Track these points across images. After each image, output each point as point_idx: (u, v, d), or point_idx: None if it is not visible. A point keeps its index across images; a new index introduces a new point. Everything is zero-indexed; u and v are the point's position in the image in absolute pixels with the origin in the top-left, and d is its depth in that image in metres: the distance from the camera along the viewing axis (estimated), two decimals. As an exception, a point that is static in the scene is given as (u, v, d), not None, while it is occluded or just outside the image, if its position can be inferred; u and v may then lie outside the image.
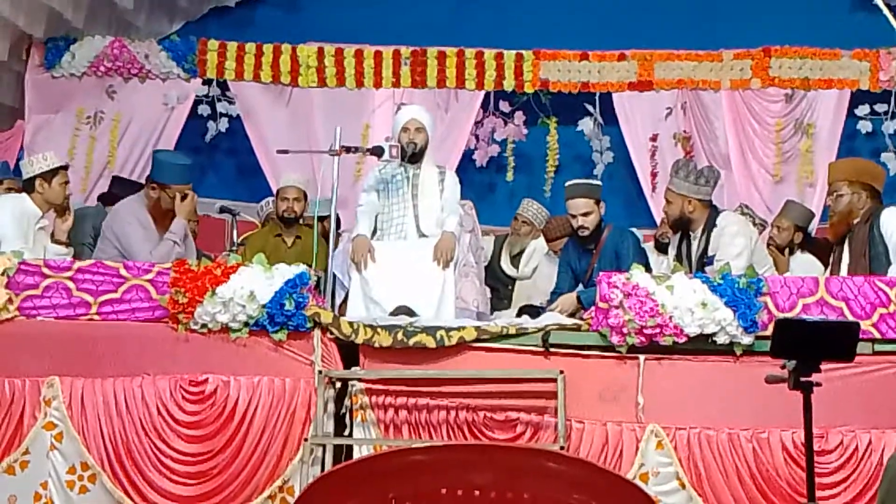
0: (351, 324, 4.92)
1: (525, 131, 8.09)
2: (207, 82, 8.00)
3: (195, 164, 7.79)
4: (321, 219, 5.76)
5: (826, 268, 5.82)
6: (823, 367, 3.33)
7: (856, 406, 4.55)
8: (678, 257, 5.62)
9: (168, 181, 5.51)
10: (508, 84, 7.92)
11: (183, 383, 4.88)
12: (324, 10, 8.23)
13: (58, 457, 4.83)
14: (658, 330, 4.68)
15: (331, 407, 4.86)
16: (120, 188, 6.80)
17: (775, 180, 7.68)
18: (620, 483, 3.03)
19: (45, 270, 5.01)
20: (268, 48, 7.95)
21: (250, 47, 7.95)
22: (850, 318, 4.60)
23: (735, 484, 4.58)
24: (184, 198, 5.52)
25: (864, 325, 4.60)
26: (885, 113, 7.64)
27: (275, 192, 7.28)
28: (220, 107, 8.03)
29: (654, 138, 7.87)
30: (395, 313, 5.23)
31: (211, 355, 4.93)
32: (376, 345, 4.86)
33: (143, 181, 6.40)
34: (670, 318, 4.67)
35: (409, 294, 5.37)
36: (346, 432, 4.85)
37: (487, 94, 7.99)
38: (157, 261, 5.19)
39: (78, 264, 5.06)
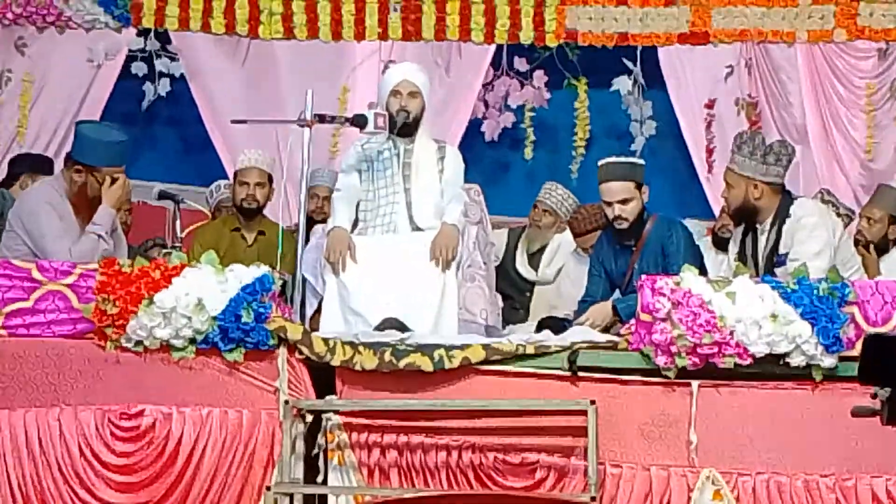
0: (326, 341, 4.92)
1: (547, 96, 8.09)
2: (143, 33, 8.00)
3: (128, 135, 7.80)
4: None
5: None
6: (926, 396, 3.32)
7: (967, 446, 4.56)
8: (741, 256, 5.61)
9: (96, 162, 5.49)
10: (526, 36, 7.91)
11: (112, 416, 4.89)
12: (291, -59, 8.24)
13: (-47, 509, 4.85)
14: (716, 349, 4.68)
15: (300, 446, 4.87)
16: (25, 167, 6.76)
17: (866, 158, 7.68)
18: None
19: (-65, 273, 5.03)
20: (220, -11, 7.97)
21: (198, -12, 7.97)
22: (961, 333, 4.59)
23: (813, 545, 4.61)
24: (113, 181, 5.51)
25: (979, 342, 4.59)
26: None
27: (228, 172, 7.30)
28: (160, 64, 8.03)
29: (710, 105, 7.87)
30: (381, 327, 5.23)
31: (148, 381, 4.93)
32: (358, 367, 4.86)
33: (54, 158, 6.45)
34: (731, 333, 4.67)
35: (400, 303, 5.37)
36: (320, 478, 4.86)
37: (499, 49, 7.99)
38: (78, 260, 5.19)
39: (-23, 265, 5.07)
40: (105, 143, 5.56)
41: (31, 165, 6.79)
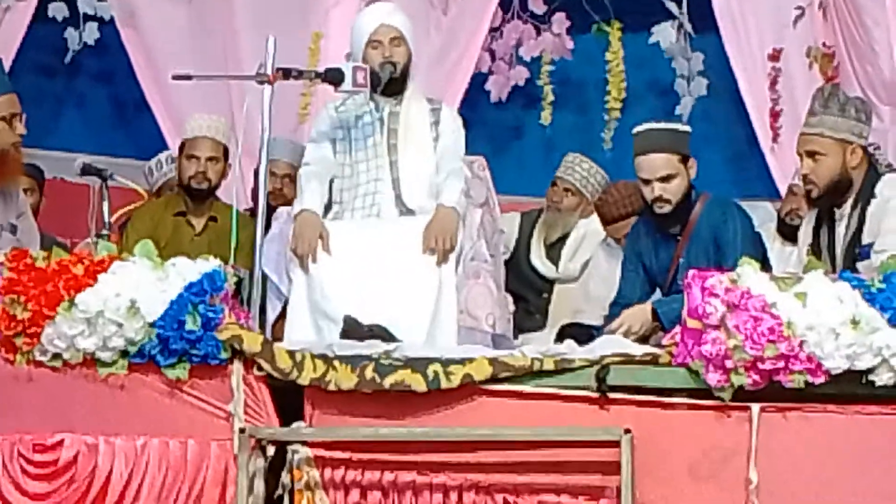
0: (292, 354, 4.92)
1: (570, 45, 8.13)
2: (64, -33, 8.01)
3: (46, 94, 7.77)
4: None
5: None
6: None
7: None
8: (815, 248, 5.62)
9: None
10: (543, -30, 7.94)
11: (23, 447, 4.90)
12: None
13: None
14: (782, 363, 4.68)
15: (259, 486, 4.86)
16: None
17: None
18: None
19: None
20: (158, -90, 7.98)
21: None
22: None
23: None
24: (12, 119, 5.49)
25: None
26: None
27: (169, 142, 7.30)
28: (85, 5, 8.04)
29: (775, 56, 7.87)
30: (360, 335, 5.23)
31: (69, 404, 4.94)
32: (332, 387, 4.87)
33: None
34: (801, 344, 4.67)
35: (386, 305, 5.41)
36: (284, 527, 4.87)
37: (510, -13, 8.03)
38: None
39: None
40: None
41: None
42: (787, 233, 6.64)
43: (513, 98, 8.21)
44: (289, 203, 6.24)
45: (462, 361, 4.87)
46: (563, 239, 6.99)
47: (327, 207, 5.75)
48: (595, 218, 6.83)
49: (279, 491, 4.86)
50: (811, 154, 5.50)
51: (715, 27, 7.92)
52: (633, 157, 5.76)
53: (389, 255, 5.54)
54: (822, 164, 5.49)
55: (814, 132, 5.51)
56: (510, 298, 6.23)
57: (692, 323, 4.79)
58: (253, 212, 5.95)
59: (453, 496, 4.80)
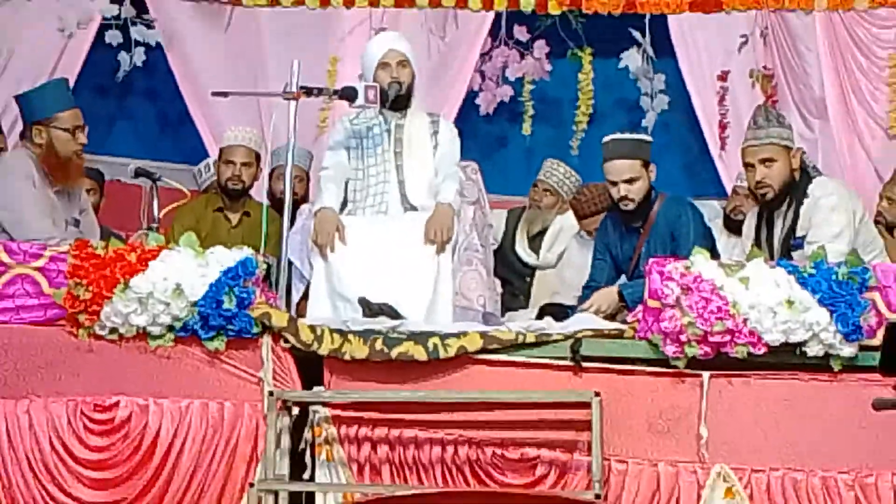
0: (313, 329, 4.93)
1: (549, 67, 8.07)
2: (118, 0, 7.97)
3: (102, 109, 7.74)
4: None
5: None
6: (952, 388, 3.34)
7: None
8: (756, 240, 5.62)
9: (47, 113, 5.48)
10: (527, 2, 7.89)
11: (85, 408, 4.90)
12: None
13: (-85, 508, 4.87)
14: (728, 337, 4.69)
15: (285, 441, 4.88)
16: None
17: (889, 134, 7.67)
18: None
19: None
20: (199, -50, 7.96)
21: (174, -50, 7.95)
22: None
23: (832, 546, 4.63)
24: (75, 130, 5.49)
25: None
26: None
27: (209, 149, 7.28)
28: (136, 33, 8.00)
29: (723, 77, 7.85)
30: (372, 313, 5.24)
31: (123, 371, 4.94)
32: (347, 357, 4.88)
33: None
34: (744, 321, 4.68)
35: (392, 288, 5.39)
36: (307, 475, 4.87)
37: (498, 17, 7.97)
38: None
39: (-59, 248, 5.06)
40: (45, 90, 5.63)
41: None
42: (732, 226, 6.63)
43: (499, 112, 8.17)
44: (302, 200, 6.34)
45: (457, 335, 4.89)
46: (542, 232, 6.97)
47: (343, 205, 5.74)
48: (570, 214, 6.81)
49: (302, 445, 4.88)
50: (764, 161, 5.48)
51: (673, 53, 7.90)
52: (603, 162, 5.73)
53: (395, 245, 5.52)
54: (775, 168, 5.49)
55: (765, 142, 5.50)
56: (498, 282, 6.21)
57: (652, 303, 4.80)
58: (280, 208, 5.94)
59: (449, 449, 4.81)
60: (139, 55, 8.02)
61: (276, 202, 5.94)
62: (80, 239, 5.17)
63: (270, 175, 6.14)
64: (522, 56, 8.07)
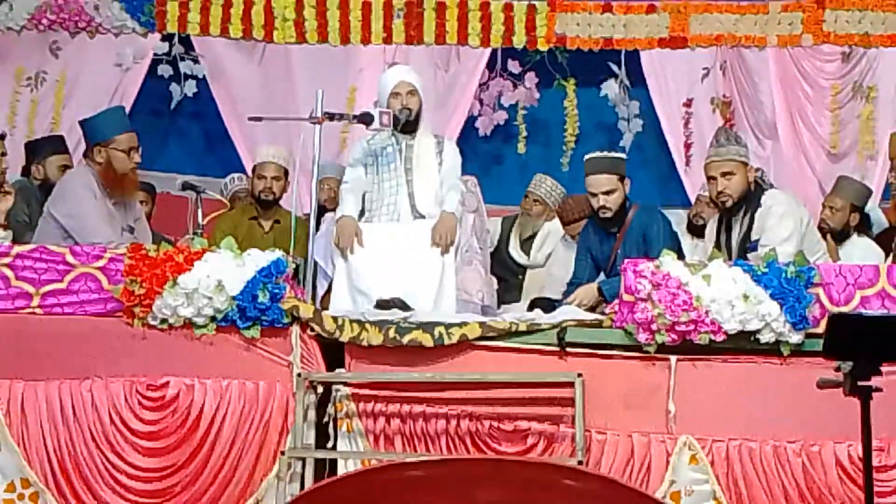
0: (335, 319, 4.93)
1: (538, 95, 8.08)
2: (168, 38, 7.99)
3: (155, 131, 7.75)
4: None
5: (888, 255, 5.82)
6: (884, 369, 3.33)
7: (923, 414, 4.56)
8: (717, 242, 5.62)
9: (107, 135, 5.48)
10: (519, 40, 7.91)
11: (139, 387, 4.89)
12: (303, -48, 8.22)
13: (-6, 473, 4.85)
14: (692, 326, 4.69)
15: (311, 415, 4.88)
16: (37, 153, 6.64)
17: (831, 152, 7.68)
18: (648, 503, 3.05)
19: (-24, 257, 5.01)
20: (237, -4, 7.96)
21: (217, -4, 7.96)
22: (917, 312, 4.60)
23: (781, 505, 4.60)
24: (131, 151, 5.50)
25: (933, 320, 4.59)
26: (961, 75, 7.64)
27: (245, 165, 7.30)
28: (184, 66, 8.02)
29: (688, 104, 7.88)
30: (385, 306, 5.23)
31: (172, 355, 4.93)
32: (364, 343, 4.87)
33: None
34: (706, 312, 4.68)
35: (403, 284, 5.38)
36: (330, 444, 4.86)
37: (494, 52, 7.99)
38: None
39: (17, 249, 5.05)
40: (105, 116, 5.63)
41: (49, 148, 6.65)
42: (695, 230, 6.64)
43: (495, 134, 8.17)
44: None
45: (459, 324, 4.88)
46: (532, 236, 6.96)
47: (361, 213, 5.74)
48: (556, 221, 6.80)
49: (326, 419, 4.88)
50: (725, 174, 5.49)
51: (645, 83, 7.92)
52: (584, 176, 5.74)
53: (406, 247, 5.50)
54: (734, 181, 5.50)
55: (725, 158, 5.52)
56: (494, 279, 6.20)
57: (627, 297, 4.80)
58: (307, 216, 5.95)
59: (452, 422, 4.80)
60: (188, 86, 8.04)
61: (320, 208, 5.95)
62: (134, 243, 5.17)
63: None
64: (515, 86, 8.08)
